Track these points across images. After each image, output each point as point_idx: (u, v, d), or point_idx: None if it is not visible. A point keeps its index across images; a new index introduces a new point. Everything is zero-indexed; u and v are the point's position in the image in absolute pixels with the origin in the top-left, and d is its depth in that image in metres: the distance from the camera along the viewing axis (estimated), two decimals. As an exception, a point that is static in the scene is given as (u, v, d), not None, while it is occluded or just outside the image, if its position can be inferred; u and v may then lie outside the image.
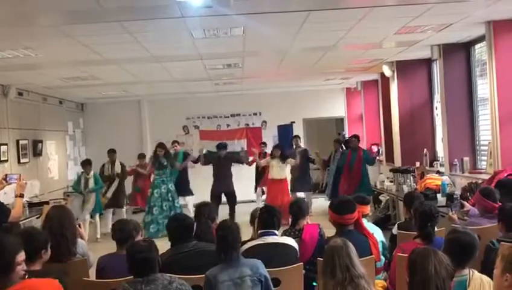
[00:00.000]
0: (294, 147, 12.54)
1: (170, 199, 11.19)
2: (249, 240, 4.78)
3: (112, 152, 11.89)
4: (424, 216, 4.38)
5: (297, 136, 13.05)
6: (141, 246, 3.65)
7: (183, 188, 12.25)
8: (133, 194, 13.24)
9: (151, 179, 11.77)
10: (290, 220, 5.38)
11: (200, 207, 5.37)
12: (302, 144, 13.68)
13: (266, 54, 9.33)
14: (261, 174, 12.91)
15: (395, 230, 5.58)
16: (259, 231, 4.68)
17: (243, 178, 12.88)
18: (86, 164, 11.20)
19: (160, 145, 11.46)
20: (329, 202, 4.90)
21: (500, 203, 5.20)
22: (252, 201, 13.09)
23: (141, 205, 12.93)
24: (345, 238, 3.59)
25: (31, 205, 9.60)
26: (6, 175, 6.07)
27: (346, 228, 4.53)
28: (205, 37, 7.35)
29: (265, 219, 4.68)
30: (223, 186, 11.49)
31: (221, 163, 11.57)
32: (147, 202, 11.36)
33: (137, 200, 13.19)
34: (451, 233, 3.68)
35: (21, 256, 3.42)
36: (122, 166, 11.90)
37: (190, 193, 12.49)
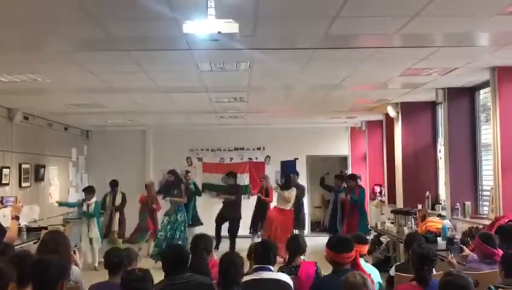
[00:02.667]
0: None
1: (175, 227, 11.15)
2: (244, 275, 4.73)
3: (114, 184, 11.89)
4: (421, 258, 4.32)
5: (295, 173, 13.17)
6: (136, 275, 3.63)
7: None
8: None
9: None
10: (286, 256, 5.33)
11: (196, 239, 5.33)
12: (305, 181, 13.69)
13: (271, 90, 9.38)
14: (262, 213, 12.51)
15: (392, 271, 5.52)
16: (255, 266, 4.63)
17: (243, 212, 12.80)
18: (89, 191, 11.22)
19: (172, 172, 11.56)
20: (327, 239, 4.84)
21: (499, 249, 5.15)
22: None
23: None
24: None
25: (29, 229, 9.54)
26: (2, 198, 6.07)
27: (343, 267, 4.46)
28: (211, 70, 7.42)
29: (261, 253, 4.64)
30: (227, 212, 11.64)
31: (231, 191, 11.88)
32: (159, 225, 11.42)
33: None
34: (445, 276, 3.64)
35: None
36: (123, 196, 11.85)
37: (195, 223, 12.48)
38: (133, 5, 4.51)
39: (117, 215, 11.74)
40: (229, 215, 11.58)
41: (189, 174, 12.90)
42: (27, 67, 7.06)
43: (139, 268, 4.02)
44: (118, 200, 11.76)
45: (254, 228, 12.76)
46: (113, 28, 5.24)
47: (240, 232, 12.37)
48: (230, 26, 4.33)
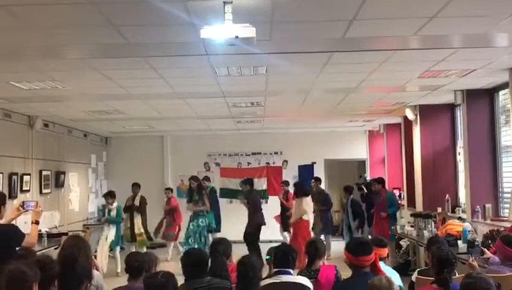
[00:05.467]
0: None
1: (198, 232, 11.16)
2: (264, 278, 4.73)
3: (135, 186, 11.98)
4: (440, 261, 4.28)
5: (317, 179, 13.05)
6: (159, 279, 3.66)
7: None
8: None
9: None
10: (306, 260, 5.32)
11: (215, 244, 5.35)
12: (323, 185, 13.62)
13: (288, 94, 9.39)
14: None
15: (414, 277, 5.46)
16: (274, 270, 4.63)
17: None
18: (109, 195, 11.28)
19: (193, 178, 11.60)
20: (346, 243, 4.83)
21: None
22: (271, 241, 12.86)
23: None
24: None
25: (49, 235, 9.64)
26: (23, 202, 6.13)
27: (362, 270, 4.43)
28: (228, 75, 7.45)
29: (280, 257, 4.63)
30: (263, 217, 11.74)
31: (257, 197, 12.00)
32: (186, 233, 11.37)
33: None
34: (467, 278, 3.60)
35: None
36: (142, 199, 11.87)
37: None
38: (151, 12, 4.56)
39: (138, 217, 11.66)
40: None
41: (204, 181, 12.80)
42: (47, 74, 7.15)
43: (163, 272, 3.93)
44: (136, 201, 11.77)
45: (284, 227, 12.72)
46: (131, 34, 5.29)
47: (264, 237, 12.22)
48: (248, 31, 4.36)
